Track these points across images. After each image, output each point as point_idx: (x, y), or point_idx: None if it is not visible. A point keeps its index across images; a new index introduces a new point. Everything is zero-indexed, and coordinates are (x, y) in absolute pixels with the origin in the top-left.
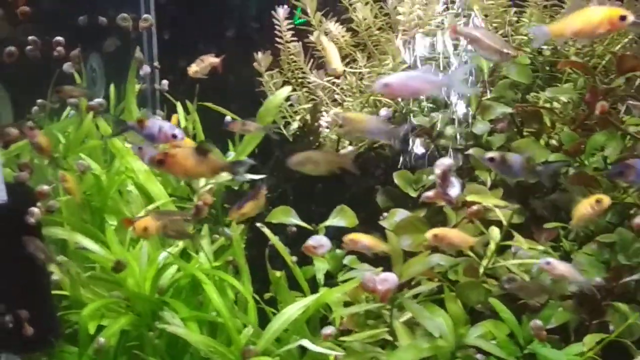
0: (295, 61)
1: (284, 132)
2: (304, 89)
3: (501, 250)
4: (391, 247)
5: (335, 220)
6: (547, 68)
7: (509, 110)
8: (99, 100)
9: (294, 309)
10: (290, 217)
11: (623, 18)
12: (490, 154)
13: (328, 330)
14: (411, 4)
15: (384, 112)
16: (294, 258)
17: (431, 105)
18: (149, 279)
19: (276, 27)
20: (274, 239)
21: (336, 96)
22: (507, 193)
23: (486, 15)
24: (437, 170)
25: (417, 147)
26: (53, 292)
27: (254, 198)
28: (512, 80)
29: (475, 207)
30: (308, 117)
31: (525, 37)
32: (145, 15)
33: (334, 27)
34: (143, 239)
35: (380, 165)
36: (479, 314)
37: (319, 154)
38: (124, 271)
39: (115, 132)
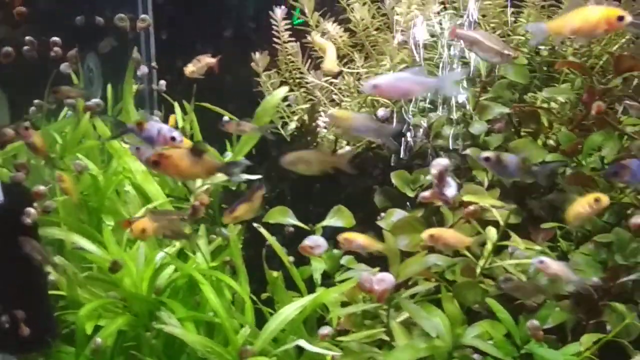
0: (293, 61)
1: (282, 132)
2: (302, 89)
3: (498, 250)
4: (388, 247)
5: (333, 220)
6: (545, 68)
7: (507, 110)
8: (96, 100)
9: (291, 309)
10: (287, 217)
11: (621, 18)
12: (485, 154)
13: (325, 330)
14: (408, 4)
15: (381, 112)
16: (291, 258)
17: (429, 106)
18: (146, 279)
19: (274, 27)
20: (271, 239)
21: (334, 96)
22: (504, 193)
23: (484, 16)
24: (434, 171)
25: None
26: (50, 292)
27: (247, 201)
28: (510, 80)
29: (472, 207)
30: (306, 117)
31: (523, 38)
32: (142, 16)
33: (331, 27)
34: (140, 240)
35: (378, 165)
36: (476, 314)
37: (311, 153)
38: (121, 271)
39: (115, 134)
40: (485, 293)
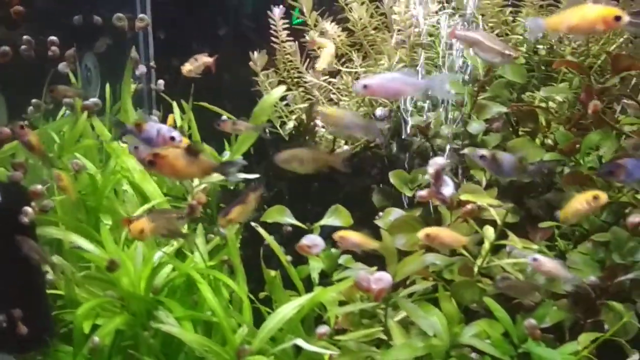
0: (291, 61)
1: (280, 131)
2: (300, 89)
3: (496, 249)
4: (385, 246)
5: (330, 219)
6: (543, 67)
7: (505, 109)
8: (94, 99)
9: (288, 308)
10: (285, 217)
11: (618, 18)
12: (481, 152)
13: (323, 329)
14: (407, 3)
15: (379, 111)
16: (289, 257)
17: (427, 104)
18: (143, 279)
19: (272, 26)
20: (269, 239)
21: (332, 96)
22: (502, 192)
23: (482, 15)
24: (431, 170)
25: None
26: (48, 291)
27: (242, 203)
28: (508, 79)
29: (469, 207)
30: (304, 116)
31: (521, 37)
32: (141, 15)
33: (330, 26)
34: (138, 240)
35: (376, 164)
36: (473, 313)
37: (306, 151)
38: (119, 270)
39: (116, 136)
40: (482, 292)
